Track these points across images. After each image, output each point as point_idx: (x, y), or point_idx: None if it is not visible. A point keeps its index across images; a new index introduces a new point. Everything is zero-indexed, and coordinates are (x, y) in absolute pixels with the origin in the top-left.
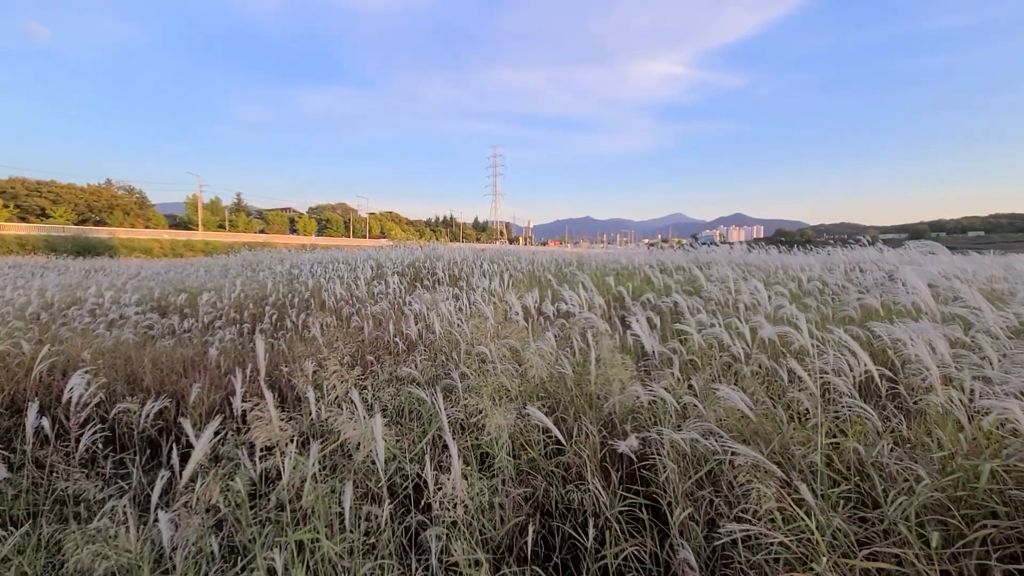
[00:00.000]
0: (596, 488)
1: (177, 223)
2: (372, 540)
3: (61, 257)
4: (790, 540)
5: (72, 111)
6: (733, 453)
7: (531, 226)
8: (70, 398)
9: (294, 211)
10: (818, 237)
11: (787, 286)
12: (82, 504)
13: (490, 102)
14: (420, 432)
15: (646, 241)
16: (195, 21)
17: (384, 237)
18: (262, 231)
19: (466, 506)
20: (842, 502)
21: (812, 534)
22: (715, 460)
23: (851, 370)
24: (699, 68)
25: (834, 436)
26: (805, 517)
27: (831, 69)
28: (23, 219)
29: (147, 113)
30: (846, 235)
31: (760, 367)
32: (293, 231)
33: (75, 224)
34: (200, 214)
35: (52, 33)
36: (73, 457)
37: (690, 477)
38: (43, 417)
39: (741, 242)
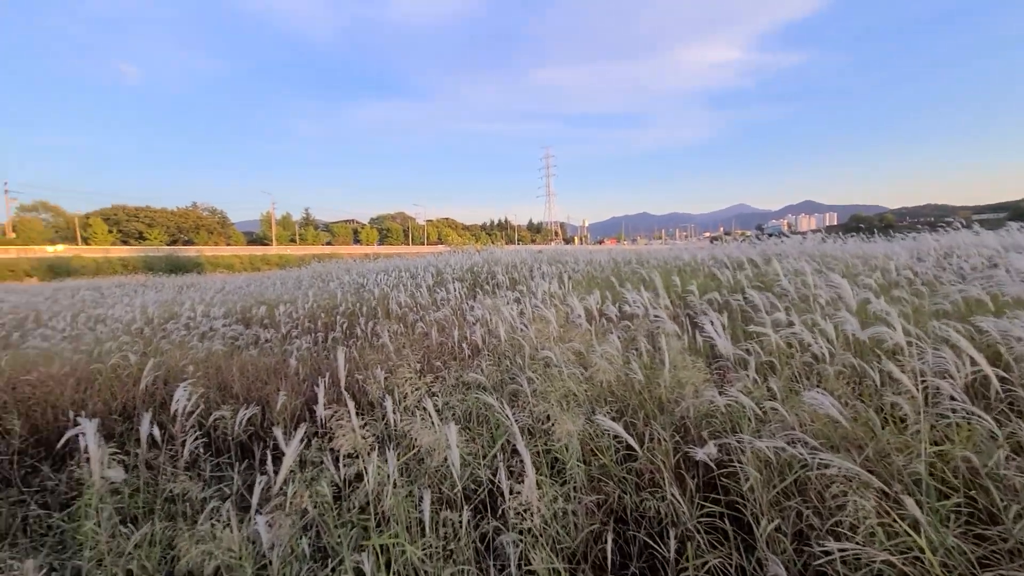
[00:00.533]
0: (673, 496)
1: (254, 239)
2: (450, 546)
3: (157, 275)
4: (896, 559)
5: (159, 140)
6: (823, 463)
7: (586, 225)
8: (176, 409)
9: (357, 222)
10: (900, 222)
11: (871, 277)
12: (187, 504)
13: (539, 102)
14: (489, 437)
15: (707, 235)
16: (264, 50)
17: (441, 243)
18: (328, 243)
19: (542, 515)
20: (953, 517)
21: (923, 552)
22: (801, 468)
23: (957, 370)
24: (754, 50)
25: (938, 444)
26: (912, 533)
27: (903, 40)
28: (124, 242)
29: (224, 137)
30: (932, 218)
31: (845, 367)
32: (357, 241)
33: (167, 244)
34: (274, 230)
35: (140, 71)
36: (178, 460)
37: (775, 487)
38: (152, 424)
39: (813, 231)
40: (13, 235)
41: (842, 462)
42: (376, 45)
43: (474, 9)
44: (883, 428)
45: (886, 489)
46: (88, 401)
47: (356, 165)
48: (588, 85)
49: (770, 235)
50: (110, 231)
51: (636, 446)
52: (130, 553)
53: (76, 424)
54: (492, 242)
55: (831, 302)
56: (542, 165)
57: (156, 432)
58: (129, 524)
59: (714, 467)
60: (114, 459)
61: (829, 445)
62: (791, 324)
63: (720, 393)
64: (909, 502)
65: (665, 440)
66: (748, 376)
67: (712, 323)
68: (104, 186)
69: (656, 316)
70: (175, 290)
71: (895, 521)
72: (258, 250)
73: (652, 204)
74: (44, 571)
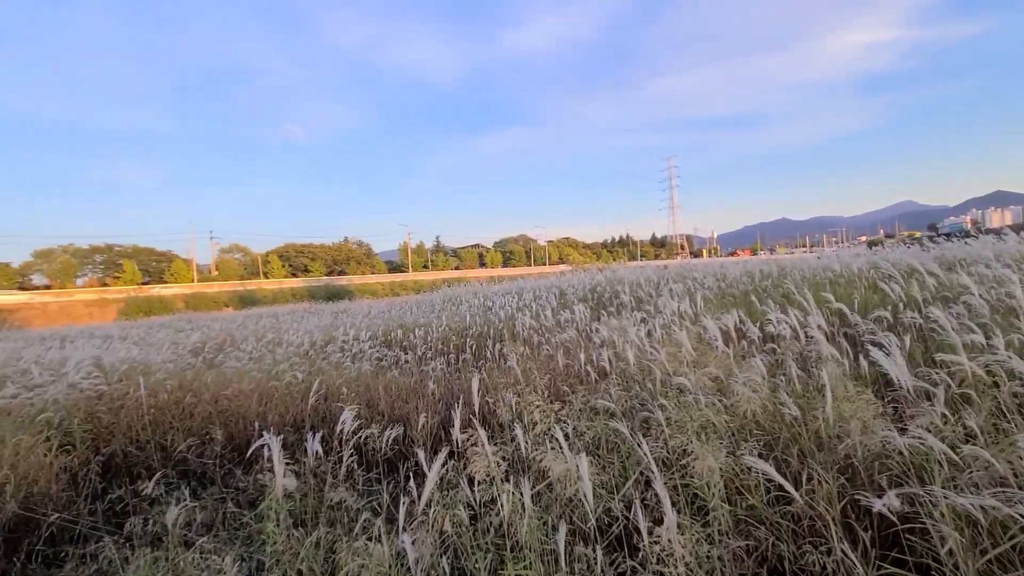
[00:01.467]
0: (844, 551)
1: (393, 267)
2: None
3: (318, 302)
4: None
5: (316, 186)
6: None
7: (715, 236)
8: (340, 428)
9: (482, 247)
10: None
11: None
12: (344, 512)
13: (657, 112)
14: (620, 467)
15: (862, 239)
16: (398, 98)
17: (563, 263)
18: (456, 267)
19: (686, 563)
20: None
21: None
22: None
23: None
24: (912, 26)
25: None
26: None
27: None
28: (293, 274)
29: (368, 177)
30: None
31: None
32: (482, 265)
33: (324, 275)
34: (409, 257)
35: (303, 130)
36: (338, 472)
37: (984, 552)
38: (316, 438)
39: (1009, 227)
40: (216, 273)
41: None
42: (494, 81)
43: (583, 34)
44: None
45: None
46: (268, 413)
47: (480, 192)
48: (708, 89)
49: (947, 235)
50: (283, 266)
51: (790, 488)
52: (301, 554)
53: (260, 435)
54: (614, 259)
55: None
56: (664, 177)
57: (319, 447)
58: (299, 527)
59: (896, 521)
60: (288, 468)
61: None
62: (991, 348)
63: (900, 431)
64: None
65: (828, 482)
66: (935, 411)
67: (883, 346)
68: (278, 228)
69: (810, 337)
70: (332, 315)
71: None
72: (397, 277)
73: (792, 209)
74: (237, 563)
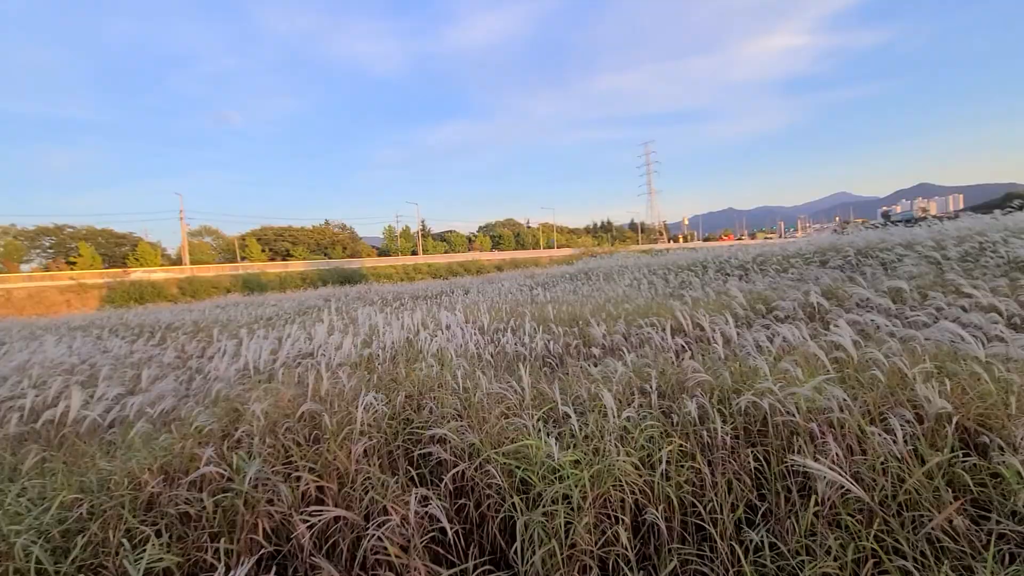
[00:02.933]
0: None
1: (381, 252)
2: None
3: (336, 286)
4: None
5: (268, 172)
6: None
7: (687, 222)
8: None
9: (457, 233)
10: None
11: None
12: None
13: (607, 108)
14: None
15: (813, 228)
16: (343, 88)
17: (566, 247)
18: (446, 252)
19: None
20: None
21: None
22: None
23: None
24: (825, 33)
25: None
26: None
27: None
28: (272, 259)
29: (319, 166)
30: None
31: None
32: (469, 249)
33: (305, 258)
34: (419, 241)
35: (241, 116)
36: None
37: None
38: None
39: (935, 216)
40: (187, 257)
41: None
42: (438, 74)
43: (524, 31)
44: None
45: None
46: None
47: (438, 181)
48: (653, 86)
49: (897, 222)
50: (262, 250)
51: None
52: None
53: None
54: (612, 244)
55: None
56: (642, 164)
57: None
58: None
59: None
60: None
61: None
62: None
63: None
64: None
65: None
66: None
67: None
68: (240, 212)
69: None
70: (433, 303)
71: None
72: (408, 260)
73: (737, 199)
74: None
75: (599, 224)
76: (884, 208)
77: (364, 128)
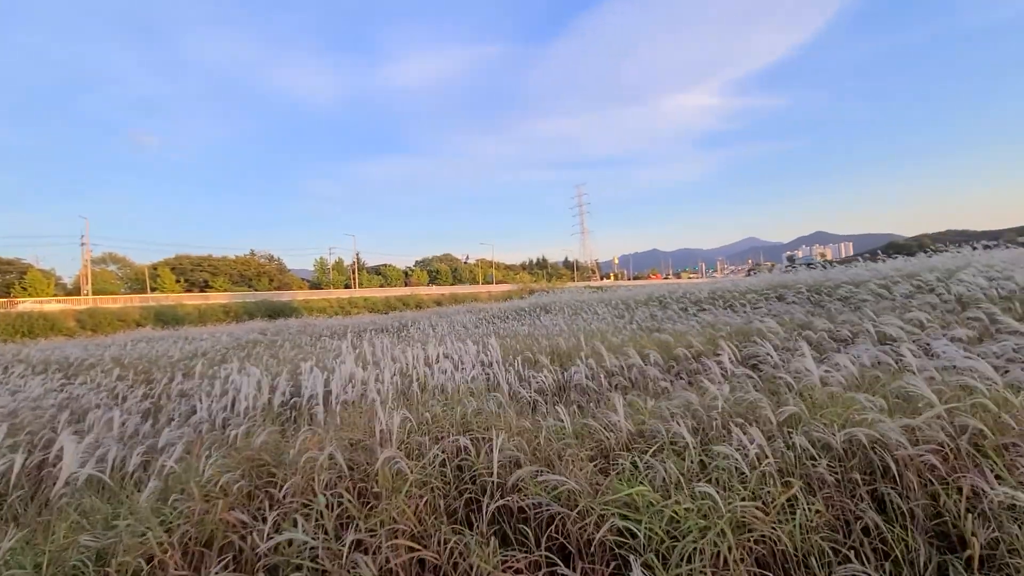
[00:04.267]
0: None
1: (312, 285)
2: None
3: (261, 320)
4: None
5: (193, 200)
6: None
7: (617, 262)
8: None
9: (393, 267)
10: (936, 245)
11: None
12: None
13: (543, 152)
14: None
15: (729, 270)
16: (273, 118)
17: (505, 283)
18: (381, 286)
19: None
20: None
21: None
22: None
23: None
24: (733, 95)
25: None
26: None
27: (879, 76)
28: (189, 290)
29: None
30: (961, 242)
31: None
32: (406, 283)
33: (227, 290)
34: (331, 275)
35: (159, 140)
36: None
37: None
38: None
39: (829, 261)
40: (87, 287)
41: None
42: (375, 111)
43: (461, 72)
44: None
45: None
46: None
47: (370, 214)
48: (585, 133)
49: (801, 265)
50: (177, 281)
51: None
52: None
53: None
54: (549, 280)
55: None
56: (574, 204)
57: None
58: None
59: None
60: None
61: None
62: None
63: None
64: None
65: None
66: None
67: None
68: (156, 239)
69: None
70: (395, 335)
71: None
72: (344, 293)
73: (661, 241)
74: None
75: (535, 261)
76: (788, 253)
77: (296, 159)
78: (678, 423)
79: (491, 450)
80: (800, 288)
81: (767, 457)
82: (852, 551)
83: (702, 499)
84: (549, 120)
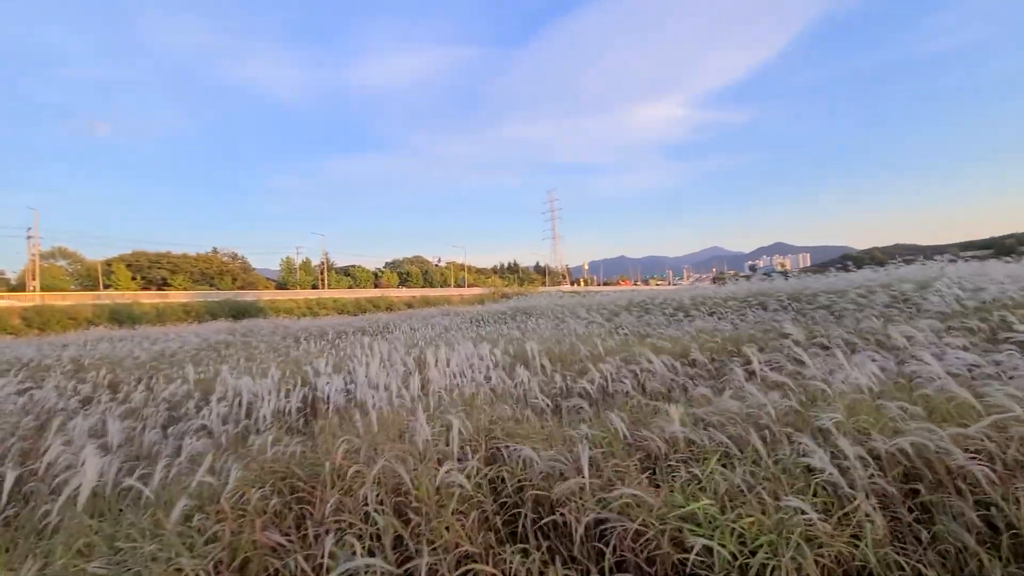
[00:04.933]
0: None
1: (278, 284)
2: None
3: (224, 320)
4: None
5: (143, 192)
6: None
7: (587, 268)
8: None
9: (362, 268)
10: (889, 258)
11: None
12: None
13: (510, 155)
14: None
15: (694, 278)
16: (235, 110)
17: (476, 287)
18: (350, 287)
19: None
20: None
21: None
22: None
23: None
24: (698, 108)
25: None
26: None
27: (835, 95)
28: (146, 288)
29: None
30: (910, 255)
31: None
32: (376, 285)
33: (187, 288)
34: (298, 275)
35: (112, 127)
36: None
37: None
38: None
39: (788, 271)
40: (34, 283)
41: None
42: (343, 106)
43: (434, 73)
44: None
45: None
46: None
47: (335, 214)
48: (554, 140)
49: (763, 274)
50: (133, 278)
51: None
52: None
53: None
54: (520, 285)
55: None
56: (546, 209)
57: None
58: None
59: None
60: None
61: None
62: None
63: None
64: None
65: None
66: None
67: None
68: (104, 234)
69: None
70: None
71: None
72: (312, 294)
73: (629, 248)
74: None
75: (506, 265)
76: (750, 262)
77: (262, 154)
78: (739, 429)
79: (528, 460)
80: (780, 296)
81: (825, 468)
82: (921, 564)
83: (776, 513)
84: (521, 125)
